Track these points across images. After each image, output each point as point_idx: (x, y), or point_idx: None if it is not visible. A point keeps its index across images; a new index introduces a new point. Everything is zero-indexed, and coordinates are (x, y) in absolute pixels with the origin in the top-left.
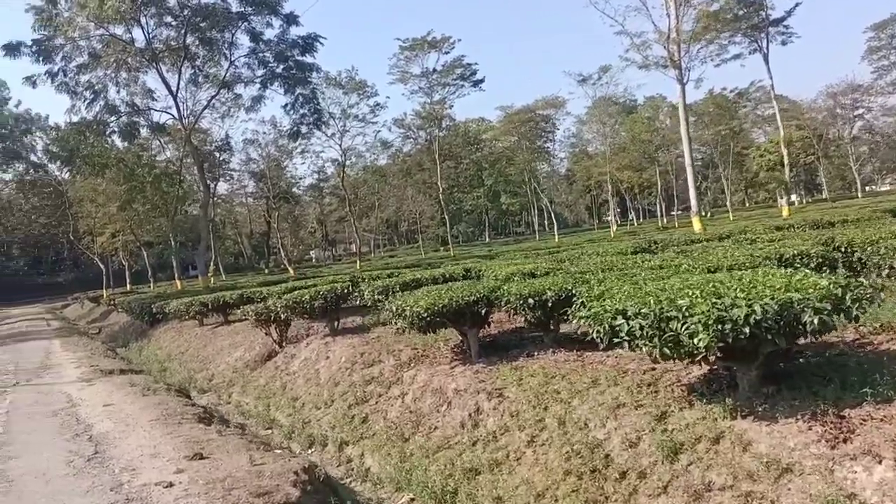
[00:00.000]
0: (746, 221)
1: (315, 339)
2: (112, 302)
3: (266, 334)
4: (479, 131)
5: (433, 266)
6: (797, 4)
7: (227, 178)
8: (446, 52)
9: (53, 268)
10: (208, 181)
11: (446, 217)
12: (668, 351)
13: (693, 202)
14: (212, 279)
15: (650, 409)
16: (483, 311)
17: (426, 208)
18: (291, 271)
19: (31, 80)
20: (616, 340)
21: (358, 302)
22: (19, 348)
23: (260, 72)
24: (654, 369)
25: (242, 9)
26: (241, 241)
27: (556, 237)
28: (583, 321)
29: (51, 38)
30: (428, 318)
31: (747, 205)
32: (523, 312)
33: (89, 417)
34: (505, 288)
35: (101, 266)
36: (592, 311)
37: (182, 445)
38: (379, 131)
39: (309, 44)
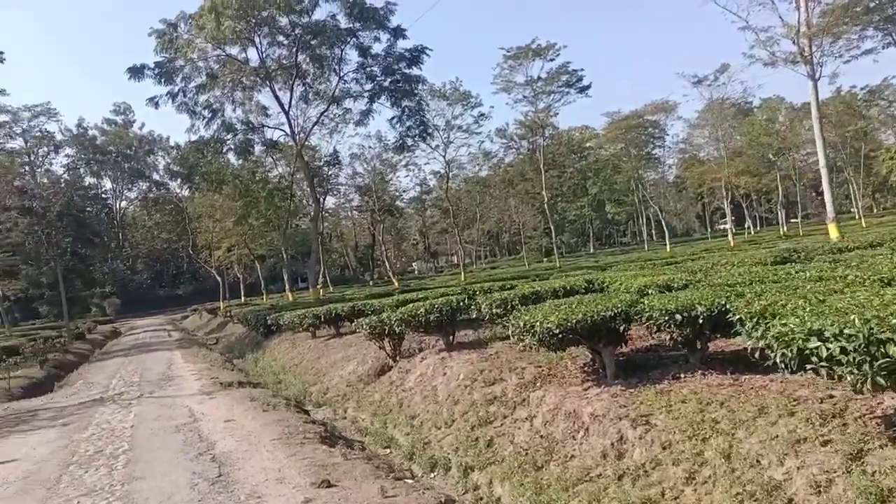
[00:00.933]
0: (883, 228)
1: (430, 354)
2: (228, 313)
3: (379, 348)
4: (582, 139)
5: (541, 277)
6: None
7: (335, 192)
8: (551, 60)
9: (174, 281)
10: (317, 195)
11: (551, 227)
12: (881, 380)
13: (829, 208)
14: (321, 291)
15: (841, 445)
16: (621, 328)
17: (529, 219)
18: (396, 283)
19: (153, 101)
20: (808, 367)
21: (474, 315)
22: (143, 359)
23: (368, 86)
24: (832, 397)
25: (351, 25)
26: (346, 254)
27: (668, 247)
28: (761, 342)
29: (172, 59)
30: (560, 335)
31: (875, 210)
32: (668, 330)
33: (211, 434)
34: (646, 302)
35: (218, 278)
36: (775, 330)
37: (307, 470)
38: (483, 141)
39: (416, 56)
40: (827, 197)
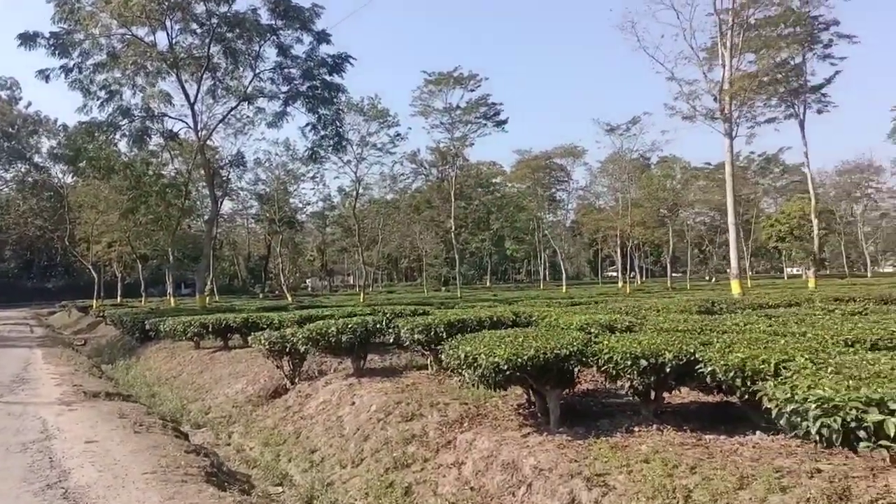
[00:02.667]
0: (770, 290)
1: (336, 379)
2: (101, 313)
3: (276, 366)
4: (490, 174)
5: (446, 306)
6: (836, 73)
7: (233, 196)
8: (472, 90)
9: (44, 273)
10: (216, 196)
11: (456, 257)
12: None
13: (734, 264)
14: (207, 298)
15: None
16: (575, 369)
17: (431, 247)
18: (289, 298)
19: (44, 74)
20: (864, 446)
21: (390, 340)
22: None
23: (284, 88)
24: (820, 471)
25: (273, 22)
26: (237, 263)
27: (565, 287)
28: (789, 406)
29: (70, 31)
30: (507, 372)
31: (750, 273)
32: (628, 376)
33: (66, 458)
34: (606, 343)
35: (94, 275)
36: (813, 399)
37: None
38: (396, 163)
39: (338, 63)
40: (733, 254)
